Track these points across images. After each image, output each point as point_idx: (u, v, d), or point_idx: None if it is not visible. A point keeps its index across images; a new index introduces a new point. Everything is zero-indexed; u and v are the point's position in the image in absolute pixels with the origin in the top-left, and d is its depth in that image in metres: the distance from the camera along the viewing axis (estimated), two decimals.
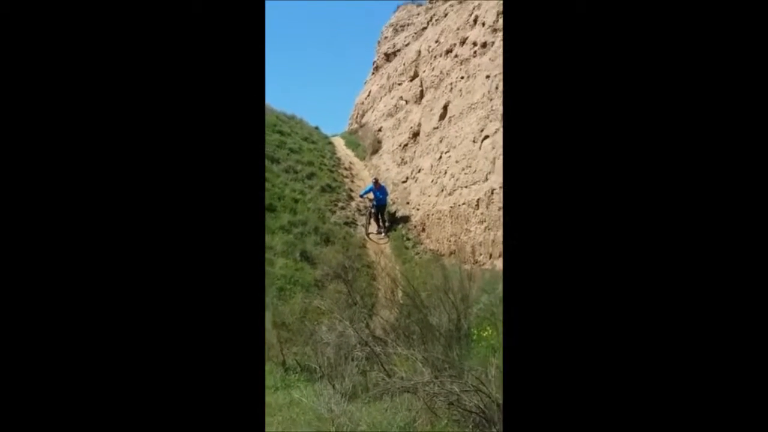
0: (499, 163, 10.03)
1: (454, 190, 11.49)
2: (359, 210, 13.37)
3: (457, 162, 11.68)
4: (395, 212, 13.48)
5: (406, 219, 13.12)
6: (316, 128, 18.43)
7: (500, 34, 11.38)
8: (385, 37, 19.80)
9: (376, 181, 13.21)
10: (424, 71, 15.13)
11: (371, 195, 13.00)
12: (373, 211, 12.90)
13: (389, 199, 13.35)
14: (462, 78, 12.58)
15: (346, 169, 15.64)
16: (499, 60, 10.98)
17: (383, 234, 12.70)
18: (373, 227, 12.84)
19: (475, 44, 12.30)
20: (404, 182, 14.20)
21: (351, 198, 13.94)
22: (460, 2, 14.08)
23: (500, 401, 4.10)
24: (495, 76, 11.01)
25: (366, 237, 12.41)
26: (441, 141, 12.83)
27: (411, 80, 15.91)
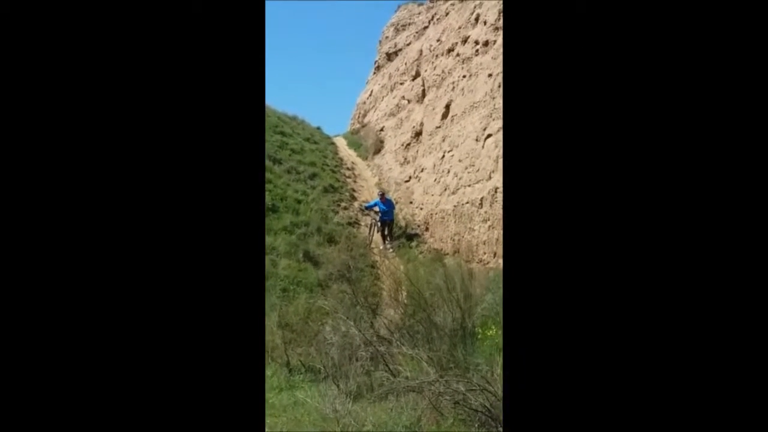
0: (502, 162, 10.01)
1: (458, 189, 11.46)
2: (362, 210, 13.26)
3: (460, 161, 11.66)
4: (405, 228, 12.85)
5: (417, 236, 12.55)
6: (318, 129, 18.44)
7: (502, 32, 11.36)
8: (387, 37, 19.80)
9: (382, 195, 12.62)
10: (425, 70, 15.12)
11: (377, 208, 12.42)
12: (378, 225, 12.33)
13: (397, 213, 12.73)
14: (464, 77, 12.56)
15: (348, 169, 15.64)
16: (501, 58, 10.96)
17: (391, 250, 11.97)
18: (377, 241, 12.27)
19: (476, 43, 12.28)
20: (407, 182, 14.17)
21: (354, 198, 13.92)
22: (461, 1, 14.06)
23: None
24: (497, 74, 10.98)
25: (369, 250, 11.81)
26: (443, 140, 12.80)
27: (413, 79, 15.90)
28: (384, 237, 12.31)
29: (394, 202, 12.93)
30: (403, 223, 12.96)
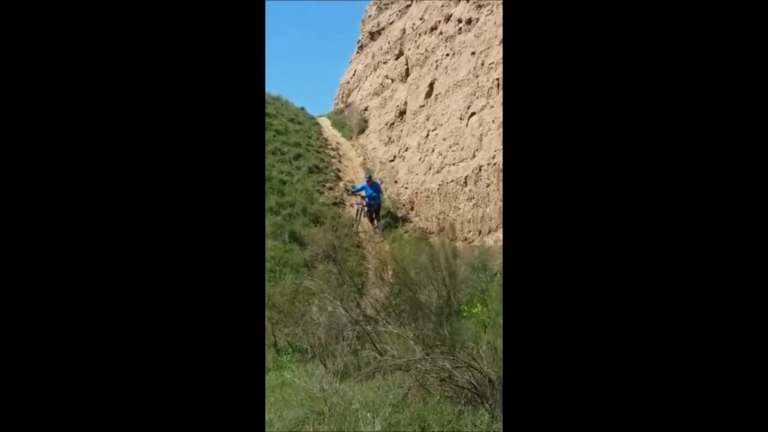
0: (486, 140, 10.01)
1: (442, 168, 11.47)
2: (347, 190, 13.24)
3: (444, 140, 11.65)
4: (394, 210, 12.72)
5: (405, 219, 12.44)
6: (302, 109, 18.29)
7: (485, 10, 11.31)
8: (369, 16, 19.61)
9: (369, 178, 12.47)
10: (409, 49, 15.02)
11: (364, 193, 12.29)
12: (365, 209, 12.20)
13: (384, 196, 12.62)
14: (447, 55, 12.50)
15: (333, 149, 15.57)
16: (485, 36, 10.92)
17: (378, 234, 11.86)
18: (365, 225, 12.18)
19: (460, 21, 12.21)
20: (392, 161, 14.15)
21: (339, 178, 13.88)
22: None
23: (492, 377, 4.13)
24: (480, 52, 10.95)
25: (355, 235, 11.67)
26: (428, 119, 12.77)
27: (396, 58, 15.80)
28: (371, 220, 12.26)
29: (380, 184, 12.90)
30: (388, 203, 12.94)
